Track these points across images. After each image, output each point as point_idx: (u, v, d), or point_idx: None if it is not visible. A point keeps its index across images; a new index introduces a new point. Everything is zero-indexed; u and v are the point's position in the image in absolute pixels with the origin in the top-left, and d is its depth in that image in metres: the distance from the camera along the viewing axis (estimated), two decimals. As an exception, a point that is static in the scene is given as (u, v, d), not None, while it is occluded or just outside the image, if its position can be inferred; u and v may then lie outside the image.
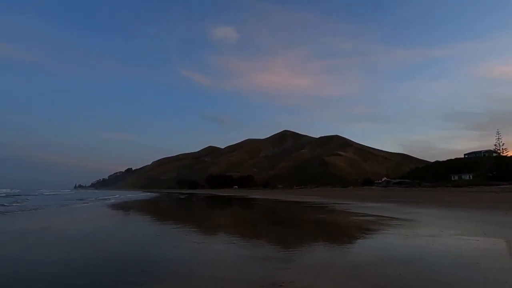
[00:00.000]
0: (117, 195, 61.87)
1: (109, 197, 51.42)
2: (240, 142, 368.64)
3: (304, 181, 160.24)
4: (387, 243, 9.13)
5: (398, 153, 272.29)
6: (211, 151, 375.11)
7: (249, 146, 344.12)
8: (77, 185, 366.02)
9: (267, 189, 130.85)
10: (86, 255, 7.38)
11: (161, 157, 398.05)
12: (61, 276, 5.65)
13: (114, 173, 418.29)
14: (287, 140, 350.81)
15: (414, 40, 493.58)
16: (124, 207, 26.37)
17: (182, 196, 61.22)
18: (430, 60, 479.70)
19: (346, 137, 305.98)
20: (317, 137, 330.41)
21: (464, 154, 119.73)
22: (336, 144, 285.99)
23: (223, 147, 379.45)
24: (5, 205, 23.98)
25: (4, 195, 55.00)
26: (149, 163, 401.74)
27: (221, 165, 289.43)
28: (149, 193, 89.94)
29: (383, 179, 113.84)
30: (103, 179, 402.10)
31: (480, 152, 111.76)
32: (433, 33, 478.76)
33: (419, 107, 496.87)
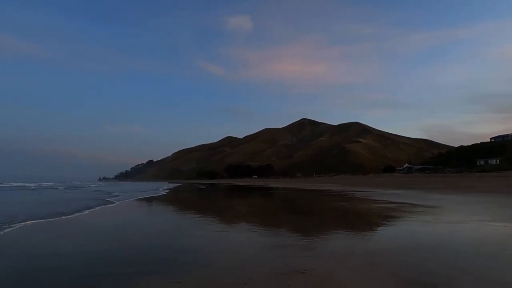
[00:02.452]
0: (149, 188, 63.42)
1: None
2: (258, 132, 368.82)
3: (323, 169, 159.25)
4: (410, 230, 9.01)
5: (420, 139, 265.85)
6: (229, 141, 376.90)
7: (267, 136, 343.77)
8: (101, 177, 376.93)
9: (286, 178, 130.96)
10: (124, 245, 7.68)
11: (181, 149, 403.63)
12: (92, 266, 5.90)
13: (136, 165, 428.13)
14: (305, 129, 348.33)
15: (434, 21, 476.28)
16: (153, 199, 27.04)
17: (203, 187, 62.18)
18: (451, 42, 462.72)
19: (366, 124, 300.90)
20: (335, 124, 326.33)
21: (490, 138, 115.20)
22: (355, 131, 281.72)
23: (241, 137, 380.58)
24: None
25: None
26: (169, 154, 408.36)
27: (239, 155, 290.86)
28: (175, 184, 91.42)
29: (405, 166, 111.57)
30: (125, 171, 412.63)
31: (507, 135, 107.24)
32: (454, 14, 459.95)
33: (441, 91, 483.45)
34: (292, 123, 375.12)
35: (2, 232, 9.13)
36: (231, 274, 5.13)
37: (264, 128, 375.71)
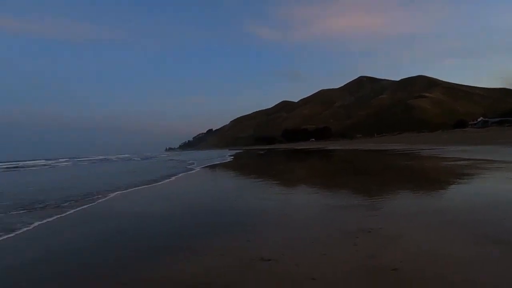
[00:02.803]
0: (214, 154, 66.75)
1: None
2: (314, 94, 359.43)
3: (385, 129, 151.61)
4: (487, 187, 8.37)
5: (498, 88, 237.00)
6: (285, 106, 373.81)
7: (323, 97, 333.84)
8: (167, 147, 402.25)
9: (345, 140, 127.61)
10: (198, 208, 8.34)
11: (238, 116, 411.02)
12: (179, 227, 6.51)
13: (197, 135, 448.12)
14: (363, 87, 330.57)
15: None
16: (222, 165, 28.45)
17: (262, 152, 63.40)
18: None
19: (432, 77, 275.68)
20: (397, 79, 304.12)
21: None
22: (420, 85, 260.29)
23: (296, 101, 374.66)
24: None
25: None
26: (227, 122, 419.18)
27: (296, 119, 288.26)
28: (236, 151, 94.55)
29: (479, 119, 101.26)
30: (188, 141, 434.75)
31: None
32: None
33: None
34: (349, 82, 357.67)
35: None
36: (298, 233, 5.29)
37: (319, 89, 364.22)
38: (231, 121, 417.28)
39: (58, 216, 7.68)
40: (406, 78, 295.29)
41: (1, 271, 4.48)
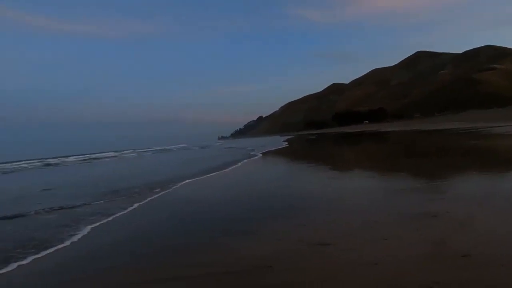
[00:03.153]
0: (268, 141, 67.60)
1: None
2: (366, 74, 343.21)
3: (447, 107, 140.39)
4: None
5: None
6: (335, 89, 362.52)
7: (377, 77, 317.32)
8: (220, 136, 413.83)
9: (401, 121, 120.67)
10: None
11: (287, 102, 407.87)
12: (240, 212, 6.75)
13: (248, 122, 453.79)
14: (421, 63, 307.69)
15: None
16: (280, 151, 28.79)
17: (312, 137, 62.50)
18: None
19: (501, 46, 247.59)
20: (460, 52, 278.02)
21: None
22: (486, 56, 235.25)
23: (347, 83, 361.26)
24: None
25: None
26: (277, 109, 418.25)
27: (347, 101, 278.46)
28: (288, 136, 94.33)
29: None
30: (239, 128, 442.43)
31: None
32: None
33: None
34: (405, 59, 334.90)
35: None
36: (355, 217, 5.17)
37: (372, 69, 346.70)
38: (281, 107, 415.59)
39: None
40: (469, 50, 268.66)
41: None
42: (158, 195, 9.02)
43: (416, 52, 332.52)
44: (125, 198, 8.80)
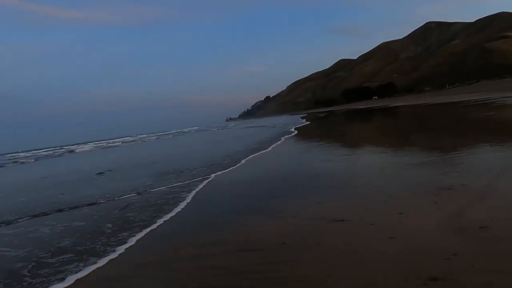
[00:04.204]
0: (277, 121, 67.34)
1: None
2: (374, 49, 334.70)
3: (459, 79, 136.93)
4: None
5: None
6: (343, 65, 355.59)
7: (385, 51, 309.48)
8: (228, 118, 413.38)
9: (411, 95, 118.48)
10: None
11: (294, 80, 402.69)
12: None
13: (255, 103, 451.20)
14: (431, 34, 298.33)
15: None
16: (302, 128, 28.70)
17: (322, 115, 61.96)
18: None
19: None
20: (472, 21, 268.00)
21: None
22: (501, 24, 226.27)
23: (355, 58, 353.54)
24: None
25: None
26: (284, 88, 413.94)
27: (356, 77, 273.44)
28: (299, 115, 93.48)
29: None
30: (247, 109, 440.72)
31: None
32: None
33: None
34: (414, 31, 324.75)
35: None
36: (369, 192, 5.16)
37: (380, 43, 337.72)
38: (288, 86, 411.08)
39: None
40: (482, 18, 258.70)
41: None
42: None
43: (426, 23, 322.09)
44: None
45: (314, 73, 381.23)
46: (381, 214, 4.11)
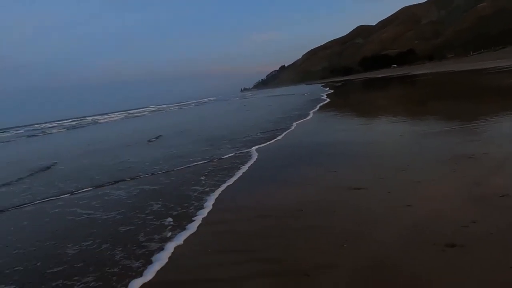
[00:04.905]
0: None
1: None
2: (394, 13, 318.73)
3: (485, 45, 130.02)
4: None
5: None
6: (361, 31, 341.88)
7: (406, 15, 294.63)
8: (242, 88, 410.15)
9: (433, 62, 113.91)
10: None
11: (310, 49, 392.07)
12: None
13: (270, 73, 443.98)
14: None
15: None
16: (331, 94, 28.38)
17: (338, 84, 60.62)
18: None
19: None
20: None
21: None
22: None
23: (374, 24, 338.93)
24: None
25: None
26: (299, 57, 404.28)
27: (374, 45, 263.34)
28: (318, 85, 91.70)
29: None
30: (262, 79, 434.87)
31: None
32: None
33: None
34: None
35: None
36: (386, 161, 5.11)
37: (401, 7, 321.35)
38: (303, 55, 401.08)
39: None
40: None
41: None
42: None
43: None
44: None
45: (330, 41, 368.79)
46: (398, 182, 4.08)
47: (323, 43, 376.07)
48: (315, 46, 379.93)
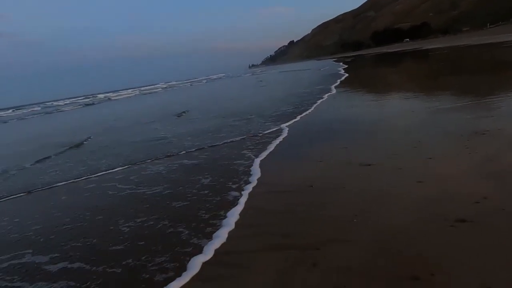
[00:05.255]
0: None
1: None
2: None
3: (502, 17, 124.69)
4: None
5: None
6: (373, 4, 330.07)
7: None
8: (250, 65, 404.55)
9: (447, 36, 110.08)
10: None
11: (320, 23, 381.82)
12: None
13: (279, 48, 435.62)
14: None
15: None
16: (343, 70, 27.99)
17: (348, 60, 59.29)
18: None
19: None
20: None
21: None
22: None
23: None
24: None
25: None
26: (309, 31, 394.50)
27: (386, 18, 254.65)
28: (329, 60, 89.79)
29: None
30: (270, 55, 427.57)
31: None
32: None
33: None
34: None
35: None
36: (396, 138, 5.07)
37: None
38: (312, 29, 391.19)
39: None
40: None
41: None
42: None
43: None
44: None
45: (341, 14, 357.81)
46: (410, 159, 4.06)
47: (333, 17, 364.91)
48: (325, 20, 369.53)
